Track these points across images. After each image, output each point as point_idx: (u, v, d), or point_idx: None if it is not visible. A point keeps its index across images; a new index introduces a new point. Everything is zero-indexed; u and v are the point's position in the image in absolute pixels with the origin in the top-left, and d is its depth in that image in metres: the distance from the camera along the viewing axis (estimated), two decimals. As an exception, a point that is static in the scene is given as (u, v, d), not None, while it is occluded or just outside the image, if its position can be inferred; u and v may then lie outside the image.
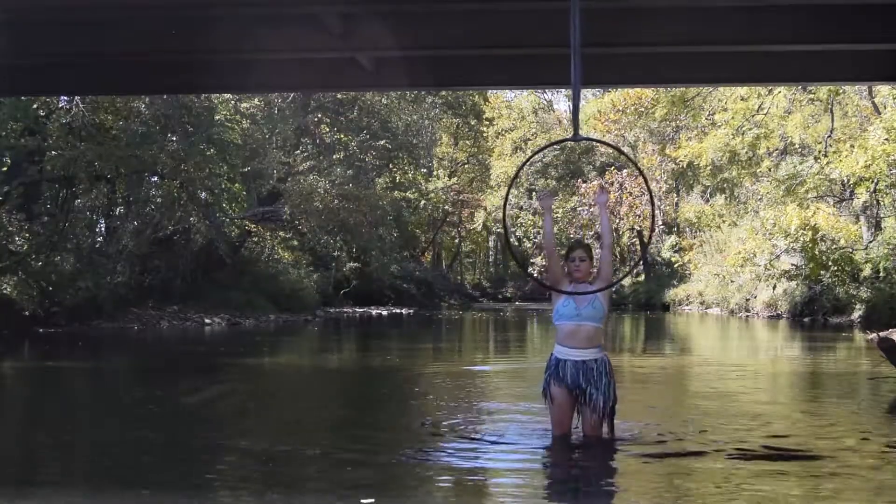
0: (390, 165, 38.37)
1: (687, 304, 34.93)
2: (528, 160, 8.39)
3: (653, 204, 7.03)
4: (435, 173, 48.14)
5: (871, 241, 23.88)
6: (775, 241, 24.24)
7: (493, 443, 6.08)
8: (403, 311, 32.45)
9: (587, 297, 5.79)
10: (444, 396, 8.71)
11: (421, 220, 45.42)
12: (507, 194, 6.97)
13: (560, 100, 53.97)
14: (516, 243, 55.36)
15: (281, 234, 29.92)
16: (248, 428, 6.87)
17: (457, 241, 53.91)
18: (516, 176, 6.87)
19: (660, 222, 40.95)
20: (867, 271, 22.72)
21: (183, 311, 22.12)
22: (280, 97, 29.14)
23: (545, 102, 52.60)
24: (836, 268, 23.16)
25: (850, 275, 23.18)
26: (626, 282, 46.20)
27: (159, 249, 23.04)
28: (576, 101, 5.55)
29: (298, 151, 31.04)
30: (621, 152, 7.79)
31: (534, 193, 52.37)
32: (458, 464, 5.45)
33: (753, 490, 4.77)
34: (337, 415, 7.66)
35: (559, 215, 48.61)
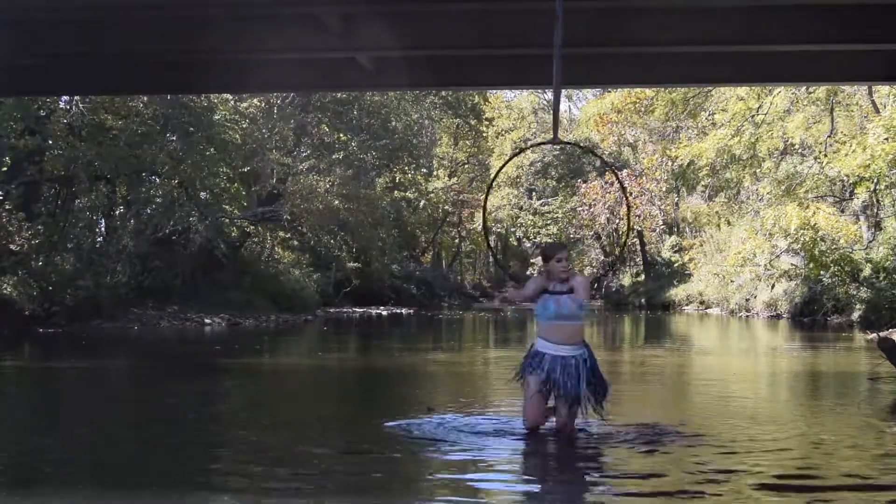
0: (390, 165, 38.33)
1: (687, 304, 34.91)
2: (505, 164, 8.45)
3: (628, 205, 7.18)
4: (435, 173, 48.08)
5: (871, 241, 23.86)
6: (775, 241, 24.22)
7: (491, 440, 6.08)
8: (403, 311, 32.43)
9: (565, 296, 6.08)
10: (444, 394, 8.71)
11: (421, 220, 45.35)
12: (486, 198, 7.22)
13: (560, 100, 53.93)
14: (515, 243, 55.39)
15: (281, 234, 29.90)
16: (248, 427, 6.86)
17: (457, 241, 53.86)
18: (494, 179, 6.90)
19: (660, 222, 40.94)
20: (867, 271, 22.70)
21: (183, 311, 22.11)
22: (280, 97, 29.12)
23: (545, 102, 52.54)
24: (836, 268, 23.14)
25: (850, 275, 23.16)
26: (627, 282, 46.21)
27: (159, 249, 23.01)
28: (556, 103, 5.75)
29: (297, 151, 31.02)
30: (596, 154, 7.77)
31: (534, 193, 52.37)
32: (458, 460, 5.44)
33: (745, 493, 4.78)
34: (337, 413, 7.66)
35: (559, 215, 48.65)
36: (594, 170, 46.83)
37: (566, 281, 6.11)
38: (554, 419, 6.14)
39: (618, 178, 6.77)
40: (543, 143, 5.91)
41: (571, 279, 6.14)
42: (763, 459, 5.49)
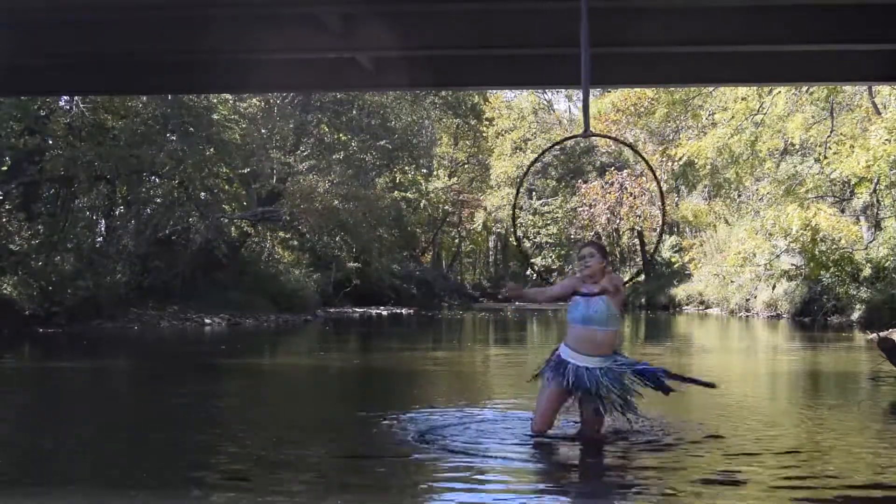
0: (390, 165, 38.35)
1: (687, 304, 34.91)
2: (538, 158, 8.31)
3: (662, 199, 7.07)
4: (435, 173, 48.10)
5: (871, 241, 23.85)
6: (775, 241, 24.22)
7: (492, 438, 6.06)
8: (403, 311, 32.44)
9: (597, 297, 5.76)
10: (444, 392, 8.70)
11: (421, 220, 45.38)
12: (517, 196, 7.03)
13: (560, 100, 53.92)
14: (515, 243, 55.35)
15: (281, 234, 29.90)
16: (248, 427, 6.86)
17: (457, 241, 53.88)
18: (525, 174, 6.68)
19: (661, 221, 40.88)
20: (867, 271, 22.69)
21: (183, 311, 22.10)
22: (280, 97, 29.13)
23: (545, 102, 52.55)
24: (836, 268, 23.13)
25: (851, 275, 23.15)
26: (627, 282, 46.15)
27: (159, 249, 23.02)
28: (586, 97, 5.64)
29: (298, 151, 31.04)
30: (631, 147, 7.75)
31: (534, 193, 52.36)
32: (458, 459, 5.44)
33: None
34: (338, 413, 7.65)
35: (559, 215, 48.65)
36: (594, 170, 46.83)
37: (597, 282, 5.78)
38: (570, 423, 6.06)
39: (654, 175, 6.68)
40: (576, 137, 5.83)
41: (603, 280, 5.78)
42: (768, 463, 5.43)
